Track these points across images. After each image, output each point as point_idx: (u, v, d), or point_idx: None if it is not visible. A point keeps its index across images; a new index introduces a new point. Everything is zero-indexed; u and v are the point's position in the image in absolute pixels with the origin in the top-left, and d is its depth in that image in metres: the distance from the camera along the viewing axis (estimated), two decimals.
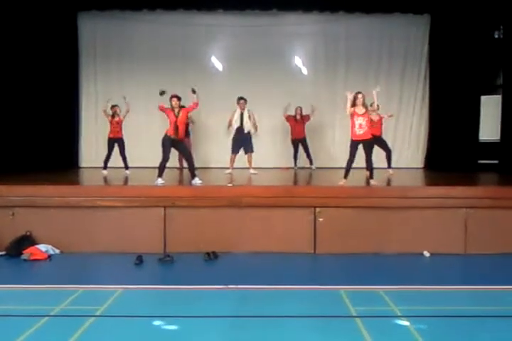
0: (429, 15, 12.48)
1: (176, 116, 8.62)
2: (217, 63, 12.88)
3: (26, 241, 7.70)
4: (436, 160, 12.27)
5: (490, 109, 12.04)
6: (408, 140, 12.90)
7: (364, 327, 4.85)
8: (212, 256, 7.47)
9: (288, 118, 11.84)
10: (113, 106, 10.51)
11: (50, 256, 7.57)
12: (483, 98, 12.13)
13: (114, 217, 7.91)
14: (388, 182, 9.63)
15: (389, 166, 10.57)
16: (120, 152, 10.52)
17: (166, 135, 8.66)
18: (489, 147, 11.97)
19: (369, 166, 8.62)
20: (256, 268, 7.08)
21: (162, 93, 8.65)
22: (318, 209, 7.85)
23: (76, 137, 12.71)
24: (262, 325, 4.99)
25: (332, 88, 12.57)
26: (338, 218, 7.85)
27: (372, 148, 9.91)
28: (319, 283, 6.30)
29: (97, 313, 5.20)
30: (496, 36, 11.99)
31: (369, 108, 8.62)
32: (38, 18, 11.45)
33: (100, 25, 12.59)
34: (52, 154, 11.63)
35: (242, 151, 10.61)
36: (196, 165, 8.95)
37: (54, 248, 7.78)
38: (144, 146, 11.59)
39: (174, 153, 9.42)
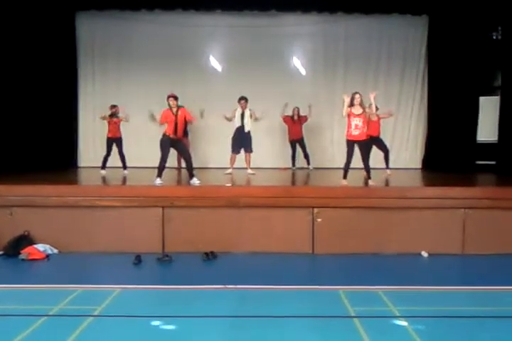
0: (427, 16, 12.48)
1: (175, 115, 8.62)
2: (215, 63, 12.88)
3: (24, 240, 7.69)
4: (434, 160, 12.28)
5: (488, 110, 12.05)
6: (406, 140, 12.90)
7: (362, 328, 4.86)
8: (210, 256, 7.48)
9: (285, 118, 11.84)
10: (113, 106, 10.51)
11: (48, 256, 7.56)
12: (481, 99, 12.14)
13: (113, 216, 7.91)
14: (386, 183, 9.64)
15: (387, 167, 10.59)
16: (118, 152, 10.52)
17: (164, 135, 8.65)
18: (487, 148, 11.98)
19: (366, 167, 8.64)
20: (254, 268, 7.08)
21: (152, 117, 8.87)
22: (316, 210, 7.86)
23: (74, 137, 12.68)
24: (260, 325, 4.99)
25: (331, 88, 12.57)
26: (336, 218, 7.85)
27: (369, 148, 9.97)
28: (318, 283, 6.31)
29: (96, 313, 5.20)
30: (494, 37, 12.00)
31: (367, 110, 8.63)
32: (36, 18, 11.42)
33: (99, 25, 12.57)
34: (51, 154, 11.60)
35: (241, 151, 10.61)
36: (195, 165, 8.95)
37: (52, 247, 7.78)
38: (143, 146, 11.57)
39: (173, 153, 9.41)
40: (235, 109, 10.45)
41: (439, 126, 12.28)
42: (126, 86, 12.51)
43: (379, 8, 12.13)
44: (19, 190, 8.09)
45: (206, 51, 12.79)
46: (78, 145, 12.78)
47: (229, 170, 10.51)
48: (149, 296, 6.08)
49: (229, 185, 8.70)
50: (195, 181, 8.54)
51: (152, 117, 8.90)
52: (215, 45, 12.85)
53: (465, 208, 7.88)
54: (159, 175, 8.52)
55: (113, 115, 10.47)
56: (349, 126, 8.51)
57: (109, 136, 10.47)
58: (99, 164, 10.61)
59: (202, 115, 9.23)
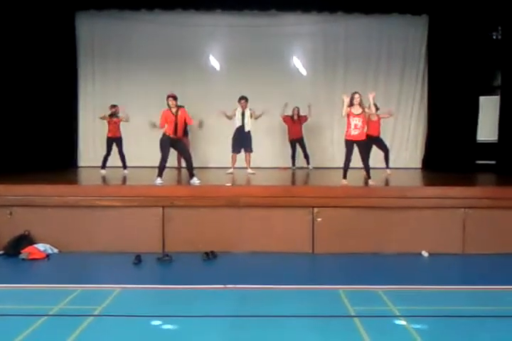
0: (427, 16, 12.48)
1: (175, 115, 8.61)
2: (215, 63, 12.88)
3: (24, 240, 7.69)
4: (434, 160, 12.28)
5: (488, 109, 12.06)
6: (406, 140, 12.90)
7: (362, 327, 4.85)
8: (210, 256, 7.48)
9: (285, 118, 11.83)
10: (113, 106, 10.50)
11: (48, 256, 7.56)
12: (481, 99, 12.14)
13: (113, 216, 7.90)
14: (386, 183, 9.64)
15: (387, 166, 10.58)
16: (118, 151, 10.51)
17: (164, 135, 8.64)
18: (487, 147, 11.98)
19: (366, 167, 8.64)
20: (254, 267, 7.08)
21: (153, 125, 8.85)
22: (316, 210, 7.86)
23: (74, 136, 12.67)
24: (260, 324, 4.99)
25: (331, 88, 12.57)
26: (336, 218, 7.85)
27: (369, 148, 9.98)
28: (318, 283, 6.31)
29: (96, 313, 5.20)
30: (494, 37, 12.01)
31: (366, 110, 8.62)
32: (36, 18, 11.41)
33: (98, 24, 12.57)
34: (51, 153, 11.60)
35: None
36: (195, 164, 8.94)
37: (52, 247, 7.78)
38: (143, 146, 11.57)
39: (173, 153, 9.41)
40: (235, 109, 10.45)
41: (439, 125, 12.28)
42: (126, 86, 12.51)
43: (379, 8, 12.13)
44: (19, 189, 8.09)
45: (206, 51, 12.79)
46: (78, 145, 12.78)
47: (230, 170, 10.51)
48: (149, 296, 6.08)
49: (229, 184, 8.70)
50: (195, 181, 8.54)
51: (153, 126, 8.83)
52: (215, 44, 12.85)
53: (465, 208, 7.88)
54: (159, 174, 8.51)
55: (113, 115, 10.47)
56: (348, 125, 8.52)
57: (109, 135, 10.47)
58: (99, 164, 10.60)
59: (201, 126, 9.27)
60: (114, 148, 10.46)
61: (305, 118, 11.80)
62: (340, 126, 11.29)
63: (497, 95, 11.86)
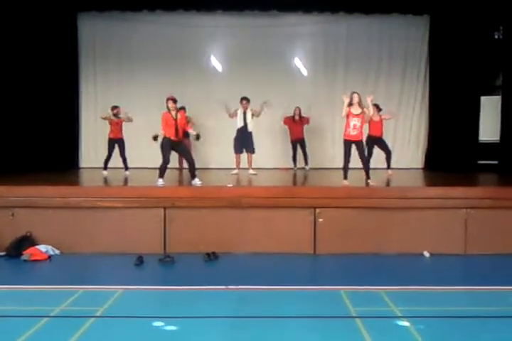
0: (428, 16, 12.47)
1: (175, 119, 8.60)
2: (216, 64, 12.88)
3: (26, 241, 7.70)
4: (436, 160, 12.27)
5: (490, 109, 12.05)
6: (408, 140, 12.89)
7: (364, 328, 4.85)
8: (212, 257, 7.47)
9: (285, 120, 11.81)
10: (115, 107, 10.50)
11: (50, 257, 7.57)
12: (482, 98, 12.13)
13: (115, 217, 7.91)
14: (388, 183, 9.63)
15: (388, 167, 10.57)
16: (120, 152, 10.51)
17: (164, 138, 8.62)
18: (489, 147, 11.97)
19: (365, 167, 8.64)
20: (256, 268, 7.08)
21: (155, 138, 8.76)
22: (318, 210, 7.85)
23: (76, 137, 12.68)
24: (262, 325, 4.99)
25: (332, 89, 12.55)
26: (338, 218, 7.85)
27: (371, 148, 9.99)
28: (319, 284, 6.32)
29: (98, 314, 5.21)
30: (496, 37, 12.01)
31: (365, 110, 8.59)
32: (37, 19, 11.45)
33: (100, 25, 12.58)
34: (52, 155, 11.62)
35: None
36: (196, 165, 8.94)
37: (54, 248, 7.78)
38: (144, 147, 11.51)
39: (174, 154, 9.40)
40: (237, 109, 10.45)
41: (440, 125, 12.27)
42: (128, 87, 12.52)
43: (380, 8, 12.12)
44: (21, 190, 8.10)
45: (207, 51, 12.80)
46: (80, 146, 12.79)
47: (235, 171, 10.52)
48: (151, 297, 6.07)
49: (230, 185, 8.70)
50: (196, 182, 8.54)
51: (156, 138, 8.78)
52: (216, 45, 12.85)
53: (467, 208, 7.87)
54: (161, 175, 8.51)
55: (115, 116, 10.46)
56: (347, 125, 8.52)
57: (111, 136, 10.47)
58: (101, 165, 10.61)
59: (198, 138, 9.27)
60: (116, 149, 10.47)
61: (307, 121, 11.77)
62: (341, 126, 11.18)
63: (498, 95, 11.85)
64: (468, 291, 6.18)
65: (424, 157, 12.79)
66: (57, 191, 8.08)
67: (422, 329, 4.84)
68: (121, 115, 10.47)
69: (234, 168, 10.61)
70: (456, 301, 5.78)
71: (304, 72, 12.97)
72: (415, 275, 6.85)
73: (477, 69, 11.95)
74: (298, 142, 11.87)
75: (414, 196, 8.01)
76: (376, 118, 10.10)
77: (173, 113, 8.64)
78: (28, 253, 7.44)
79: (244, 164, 10.66)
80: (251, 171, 10.50)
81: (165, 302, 5.84)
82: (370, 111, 8.86)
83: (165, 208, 7.90)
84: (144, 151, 11.43)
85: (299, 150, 11.94)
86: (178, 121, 8.62)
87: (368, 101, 8.72)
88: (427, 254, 7.74)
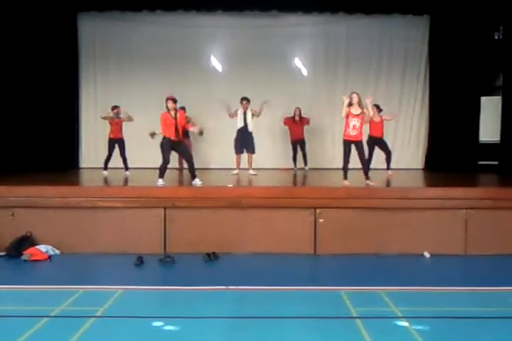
0: (428, 16, 12.48)
1: (174, 118, 8.60)
2: (216, 64, 12.89)
3: (26, 241, 7.70)
4: (436, 161, 12.27)
5: (490, 110, 12.05)
6: (408, 141, 12.89)
7: (364, 328, 4.85)
8: (212, 257, 7.47)
9: (286, 120, 11.80)
10: (115, 107, 10.49)
11: (50, 257, 7.56)
12: (483, 99, 12.13)
13: (115, 217, 7.91)
14: (388, 183, 9.63)
15: (387, 168, 10.56)
16: (120, 153, 10.51)
17: (164, 138, 8.61)
18: (489, 148, 11.97)
19: (364, 167, 8.64)
20: (256, 269, 7.08)
21: (152, 135, 8.73)
22: (318, 211, 7.85)
23: (76, 138, 12.69)
24: (262, 325, 4.99)
25: (332, 89, 12.56)
26: (338, 219, 7.85)
27: (371, 149, 9.98)
28: (320, 284, 6.31)
29: (98, 314, 5.21)
30: (496, 37, 12.01)
31: (364, 111, 8.58)
32: (37, 19, 11.45)
33: (100, 26, 12.59)
34: (53, 155, 11.62)
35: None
36: (196, 165, 8.94)
37: (54, 248, 7.78)
38: (144, 147, 11.50)
39: (174, 154, 9.40)
40: (237, 110, 10.45)
41: (440, 126, 12.27)
42: (128, 87, 12.53)
43: (380, 9, 12.13)
44: (21, 190, 8.09)
45: (207, 52, 12.81)
46: (80, 146, 12.79)
47: (235, 171, 10.53)
48: (151, 297, 6.07)
49: (231, 185, 8.70)
50: (197, 182, 8.53)
51: (153, 135, 8.76)
52: (216, 45, 12.86)
53: (467, 208, 7.87)
54: (161, 176, 8.51)
55: (115, 115, 10.46)
56: (347, 126, 8.51)
57: (111, 136, 10.47)
58: (101, 165, 10.61)
59: (201, 134, 9.23)
60: (116, 149, 10.46)
61: (307, 121, 11.76)
62: (341, 126, 11.17)
63: (498, 95, 11.85)
64: (468, 292, 6.17)
65: (424, 157, 12.79)
66: (57, 191, 8.08)
67: (423, 329, 4.84)
68: (122, 114, 10.47)
69: (234, 168, 10.62)
70: (457, 302, 5.78)
71: (304, 72, 12.97)
72: (415, 275, 6.85)
73: (477, 70, 11.95)
74: (298, 143, 11.87)
75: (414, 196, 8.01)
76: (377, 118, 10.10)
77: (173, 113, 8.63)
78: (28, 253, 7.44)
79: (244, 164, 10.66)
80: (251, 171, 10.50)
81: (165, 302, 5.84)
82: (370, 112, 8.86)
83: (165, 208, 7.90)
84: (144, 151, 11.44)
85: (299, 151, 11.94)
86: (178, 120, 8.62)
87: (367, 102, 8.72)
88: (427, 255, 7.74)
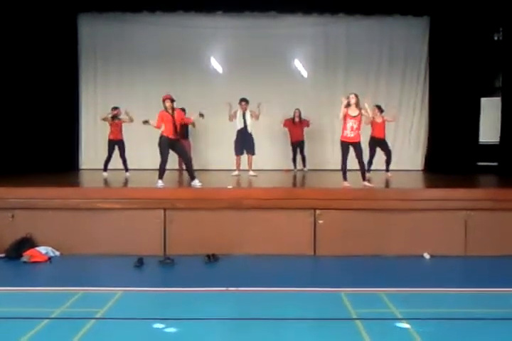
0: (428, 17, 12.46)
1: (172, 117, 8.60)
2: (216, 65, 12.88)
3: (26, 243, 7.69)
4: (436, 162, 12.26)
5: (490, 111, 12.05)
6: (408, 142, 12.87)
7: (364, 330, 4.85)
8: (212, 259, 7.47)
9: (285, 122, 11.79)
10: (115, 108, 10.49)
11: (50, 259, 7.56)
12: (482, 100, 12.13)
13: (114, 219, 7.90)
14: (388, 185, 9.62)
15: (387, 169, 10.57)
16: (120, 154, 10.51)
17: (162, 136, 8.62)
18: (489, 149, 11.97)
19: (361, 168, 8.63)
20: (256, 270, 7.08)
21: (145, 122, 8.70)
22: (318, 212, 7.85)
23: (76, 139, 12.67)
24: (262, 327, 4.98)
25: (332, 90, 12.53)
26: (338, 220, 7.85)
27: (373, 150, 9.98)
28: (320, 286, 6.30)
29: (98, 315, 5.20)
30: (496, 38, 12.01)
31: (363, 112, 8.56)
32: (37, 20, 11.45)
33: (100, 26, 12.57)
34: (53, 156, 11.62)
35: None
36: (196, 167, 8.94)
37: (54, 250, 7.77)
38: (144, 148, 11.57)
39: (173, 155, 9.41)
40: (236, 111, 10.45)
41: (440, 127, 12.26)
42: (128, 88, 12.52)
43: (380, 9, 12.11)
44: (21, 192, 8.09)
45: (207, 52, 12.79)
46: (80, 147, 12.78)
47: (236, 172, 10.55)
48: (151, 299, 6.06)
49: (230, 187, 8.69)
50: (196, 183, 8.53)
51: (146, 123, 8.74)
52: (216, 46, 12.84)
53: (467, 210, 7.87)
54: (161, 177, 8.51)
55: (115, 117, 10.46)
56: (344, 127, 8.49)
57: (111, 138, 10.47)
58: (101, 166, 10.61)
59: (202, 116, 9.13)
60: (116, 150, 10.46)
61: (307, 123, 11.74)
62: (340, 128, 11.28)
63: (498, 96, 11.86)
64: (468, 293, 6.17)
65: (424, 159, 12.78)
66: (57, 192, 8.08)
67: (423, 331, 4.83)
68: (122, 115, 10.46)
69: (234, 170, 10.62)
70: (457, 303, 5.79)
71: (304, 73, 12.96)
72: (415, 277, 6.84)
73: (477, 71, 11.95)
74: (298, 144, 11.85)
75: (414, 198, 8.01)
76: (379, 119, 10.10)
77: (170, 111, 8.63)
78: (28, 255, 7.44)
79: (244, 165, 10.66)
80: (251, 172, 10.51)
81: (165, 304, 5.83)
82: (369, 113, 8.84)
83: (165, 209, 7.89)
84: (144, 153, 11.46)
85: (298, 152, 11.92)
86: (176, 118, 8.61)
87: (365, 105, 8.69)
88: (427, 256, 7.74)
